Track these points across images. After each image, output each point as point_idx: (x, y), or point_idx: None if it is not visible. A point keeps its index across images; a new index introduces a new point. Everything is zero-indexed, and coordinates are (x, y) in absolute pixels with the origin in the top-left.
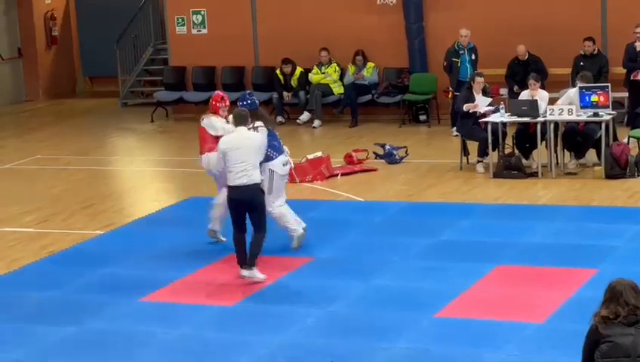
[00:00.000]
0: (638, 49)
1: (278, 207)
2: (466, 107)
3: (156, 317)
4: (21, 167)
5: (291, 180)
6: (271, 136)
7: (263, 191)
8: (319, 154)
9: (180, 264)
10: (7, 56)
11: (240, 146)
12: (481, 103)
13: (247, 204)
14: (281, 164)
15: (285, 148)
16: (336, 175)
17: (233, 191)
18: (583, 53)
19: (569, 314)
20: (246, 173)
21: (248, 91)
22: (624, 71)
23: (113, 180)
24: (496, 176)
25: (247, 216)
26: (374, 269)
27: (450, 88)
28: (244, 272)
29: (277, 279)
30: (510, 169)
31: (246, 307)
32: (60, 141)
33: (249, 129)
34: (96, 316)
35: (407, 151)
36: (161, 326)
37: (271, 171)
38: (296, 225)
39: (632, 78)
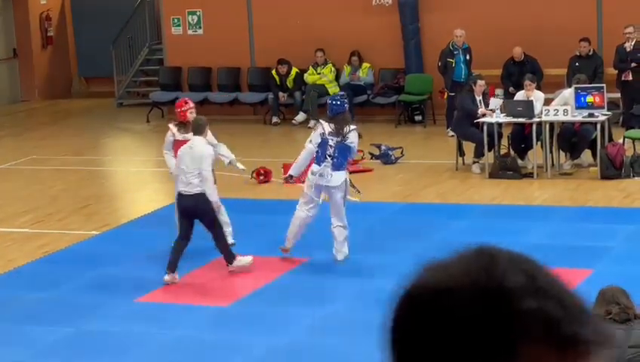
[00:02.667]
0: (628, 50)
1: (297, 210)
2: (481, 112)
3: (152, 317)
4: (17, 168)
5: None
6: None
7: (208, 200)
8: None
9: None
10: (2, 57)
11: (187, 155)
12: (492, 107)
13: (192, 212)
14: (310, 174)
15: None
16: None
17: (179, 198)
18: (578, 53)
19: None
20: (191, 182)
21: (341, 93)
22: None
23: (109, 180)
24: (492, 176)
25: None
26: (371, 270)
27: (445, 89)
28: (166, 277)
29: (273, 279)
30: (506, 169)
31: (242, 307)
32: (56, 141)
33: (344, 132)
34: (92, 316)
35: (402, 151)
36: (157, 326)
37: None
38: (291, 238)
39: (622, 78)
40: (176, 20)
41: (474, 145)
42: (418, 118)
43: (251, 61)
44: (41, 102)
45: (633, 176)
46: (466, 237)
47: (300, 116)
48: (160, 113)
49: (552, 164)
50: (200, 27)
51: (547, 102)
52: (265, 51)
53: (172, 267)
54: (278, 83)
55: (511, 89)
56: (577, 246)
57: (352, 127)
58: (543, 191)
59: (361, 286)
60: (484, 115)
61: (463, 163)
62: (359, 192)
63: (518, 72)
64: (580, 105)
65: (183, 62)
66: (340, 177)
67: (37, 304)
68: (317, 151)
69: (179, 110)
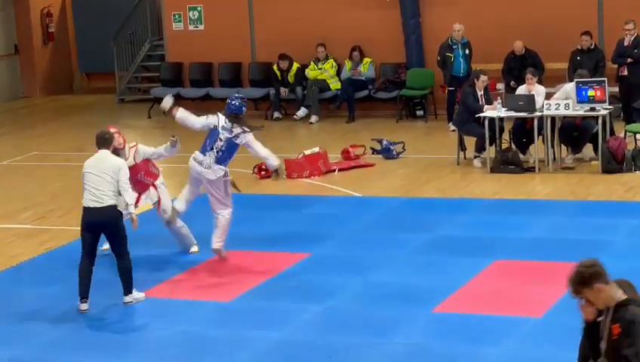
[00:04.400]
0: (626, 44)
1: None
2: (486, 108)
3: (154, 313)
4: (19, 164)
5: (288, 176)
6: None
7: (120, 214)
8: (316, 149)
9: (178, 260)
10: (4, 53)
11: (95, 169)
12: (496, 104)
13: (100, 227)
14: (191, 158)
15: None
16: (334, 170)
17: (85, 212)
18: (580, 47)
19: (567, 308)
20: (99, 196)
21: (241, 96)
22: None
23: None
24: (493, 171)
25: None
26: (372, 265)
27: (444, 83)
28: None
29: (274, 275)
30: (507, 164)
31: (243, 303)
32: (58, 137)
33: (238, 130)
34: (93, 312)
35: (404, 146)
36: (159, 322)
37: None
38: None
39: (619, 73)
40: (177, 16)
41: (475, 139)
42: (419, 112)
43: (252, 56)
44: (43, 98)
45: (635, 170)
46: (468, 232)
47: (302, 111)
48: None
49: (554, 159)
50: (201, 23)
51: (548, 96)
52: (266, 46)
53: (83, 293)
54: (280, 78)
55: (512, 83)
56: (579, 241)
57: (247, 130)
58: (545, 186)
59: (362, 281)
60: (474, 112)
61: (465, 157)
62: (240, 191)
63: (519, 66)
64: (581, 100)
65: (184, 57)
66: (218, 172)
67: (39, 300)
68: (206, 141)
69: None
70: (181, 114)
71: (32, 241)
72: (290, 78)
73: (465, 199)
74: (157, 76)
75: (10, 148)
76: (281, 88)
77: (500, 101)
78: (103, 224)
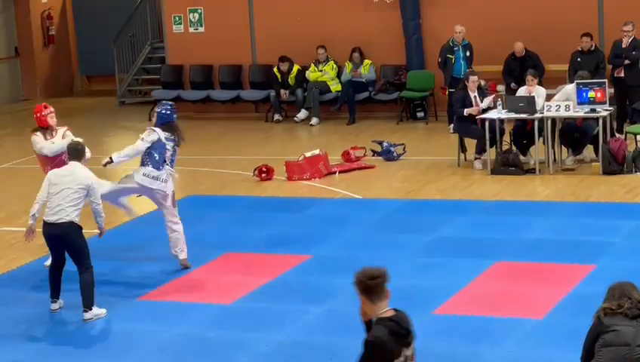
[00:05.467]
0: (624, 45)
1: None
2: (466, 111)
3: (155, 315)
4: (19, 167)
5: (289, 178)
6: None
7: (79, 227)
8: (317, 151)
9: (179, 262)
10: (4, 55)
11: (62, 182)
12: (482, 104)
13: (60, 241)
14: (141, 174)
15: (170, 170)
16: (334, 172)
17: (46, 226)
18: (580, 49)
19: (568, 309)
20: (58, 212)
21: (171, 103)
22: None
23: (111, 179)
24: (494, 172)
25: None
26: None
27: (445, 85)
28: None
29: (276, 276)
30: (508, 165)
31: (244, 305)
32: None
33: (171, 137)
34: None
35: (404, 148)
36: (160, 324)
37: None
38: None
39: (615, 75)
40: (177, 18)
41: (475, 141)
42: (420, 114)
43: (253, 58)
44: (43, 100)
45: (635, 172)
46: (469, 234)
47: (302, 113)
48: None
49: (555, 160)
50: (201, 25)
51: (549, 97)
52: (266, 48)
53: (53, 294)
54: (280, 80)
55: (512, 85)
56: (580, 242)
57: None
58: (546, 187)
59: None
60: (470, 115)
61: (465, 159)
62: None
63: (519, 68)
64: (581, 101)
65: (185, 60)
66: (171, 184)
67: (40, 303)
68: (154, 156)
69: (38, 115)
70: (118, 158)
71: (33, 244)
72: (291, 80)
73: (465, 200)
74: (157, 78)
75: (11, 151)
76: (282, 90)
77: (490, 102)
78: (60, 238)
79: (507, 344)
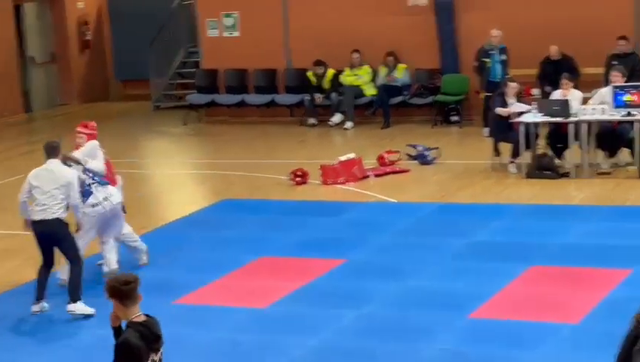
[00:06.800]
0: None
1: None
2: (498, 110)
3: (190, 319)
4: None
5: (323, 182)
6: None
7: (66, 224)
8: (351, 155)
9: (213, 266)
10: (41, 61)
11: (43, 182)
12: (516, 109)
13: (48, 238)
14: (91, 208)
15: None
16: (369, 176)
17: (34, 225)
18: (616, 52)
19: (604, 314)
20: (44, 210)
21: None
22: None
23: (146, 183)
24: (529, 176)
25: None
26: (407, 270)
27: (481, 89)
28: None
29: (310, 281)
30: (543, 169)
31: (280, 309)
32: None
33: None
34: None
35: (439, 152)
36: (195, 328)
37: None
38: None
39: None
40: (212, 23)
41: (510, 145)
42: (454, 118)
43: (287, 63)
44: (79, 105)
45: None
46: (504, 238)
47: (337, 117)
48: (196, 115)
49: (590, 164)
50: (236, 29)
51: (584, 101)
52: (301, 53)
53: (39, 295)
54: (315, 84)
55: (547, 88)
56: (616, 246)
57: (75, 158)
58: (581, 191)
59: (398, 286)
60: (508, 116)
61: (500, 163)
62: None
63: (554, 71)
64: (617, 104)
65: (219, 64)
66: (116, 190)
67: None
68: (87, 185)
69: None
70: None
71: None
72: (326, 84)
73: (500, 204)
74: (192, 83)
75: None
76: (316, 94)
77: (524, 106)
78: (48, 235)
79: (543, 349)
